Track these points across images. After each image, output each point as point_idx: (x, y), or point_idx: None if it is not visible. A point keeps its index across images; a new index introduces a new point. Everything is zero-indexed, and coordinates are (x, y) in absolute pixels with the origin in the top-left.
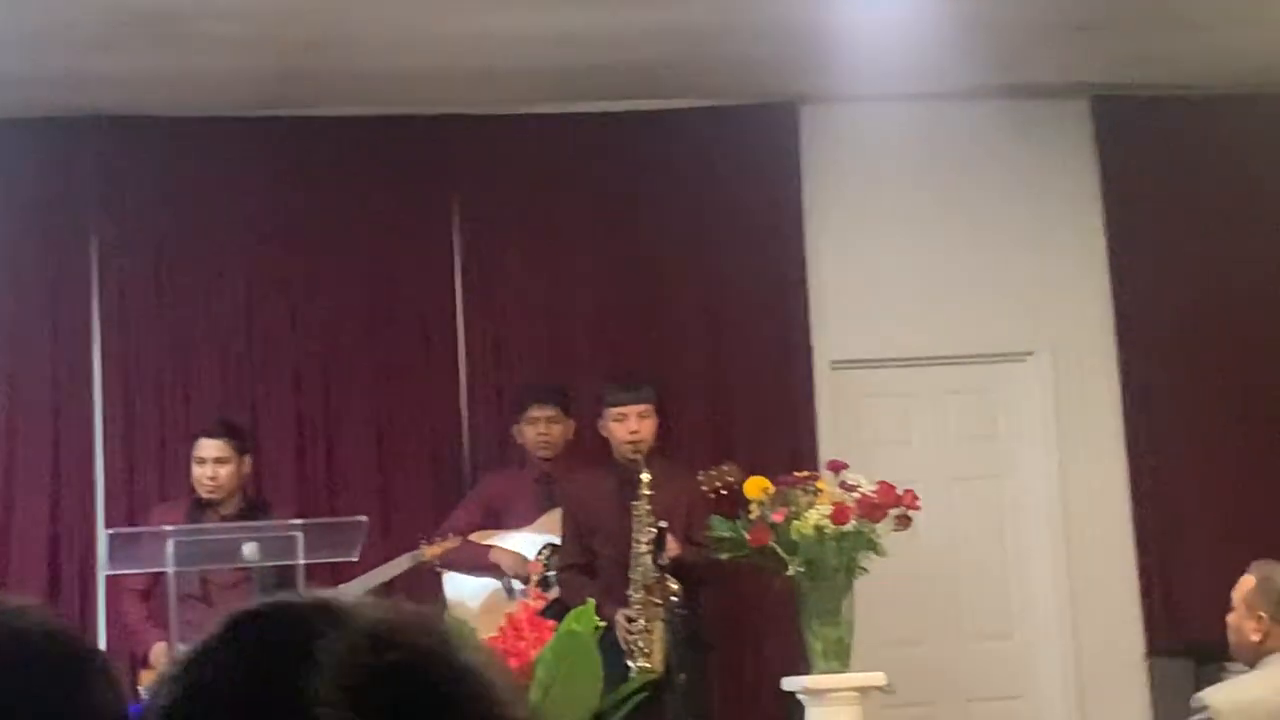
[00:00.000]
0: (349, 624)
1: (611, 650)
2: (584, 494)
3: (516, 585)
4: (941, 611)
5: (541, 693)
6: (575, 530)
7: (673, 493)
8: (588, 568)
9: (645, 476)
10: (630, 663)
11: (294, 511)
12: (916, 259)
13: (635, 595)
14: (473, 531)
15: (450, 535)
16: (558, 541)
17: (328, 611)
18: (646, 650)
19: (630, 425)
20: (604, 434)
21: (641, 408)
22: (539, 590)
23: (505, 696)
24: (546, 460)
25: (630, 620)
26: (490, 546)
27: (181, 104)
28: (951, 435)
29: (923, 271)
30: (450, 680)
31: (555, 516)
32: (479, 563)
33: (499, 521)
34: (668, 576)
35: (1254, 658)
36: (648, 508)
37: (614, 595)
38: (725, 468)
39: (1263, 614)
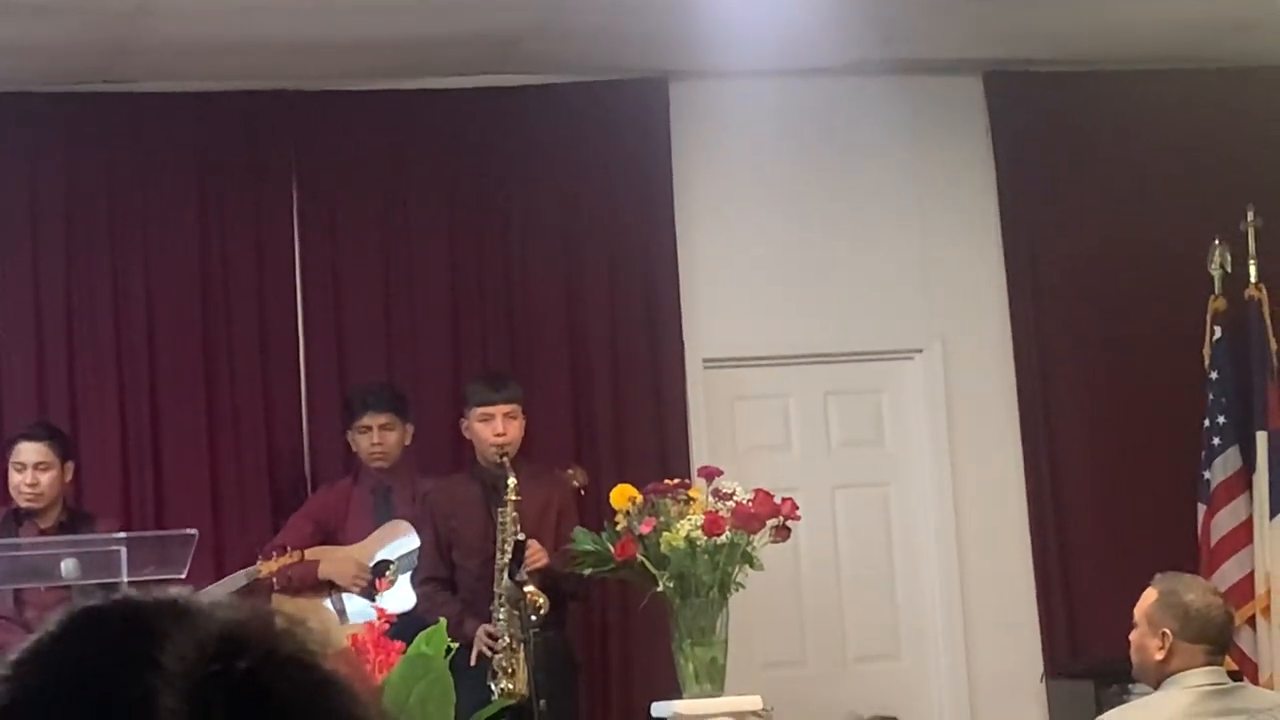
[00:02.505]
0: (199, 626)
1: (471, 672)
2: (445, 502)
3: (348, 606)
4: (823, 630)
5: None
6: (435, 541)
7: (542, 499)
8: (449, 581)
9: (511, 482)
10: (492, 684)
11: (118, 524)
12: (797, 248)
13: (499, 611)
14: (305, 548)
15: (290, 550)
16: (392, 558)
17: (176, 611)
18: (510, 670)
19: (496, 427)
20: (467, 436)
21: (509, 408)
22: (383, 608)
23: (368, 712)
24: (383, 470)
25: (493, 638)
26: (318, 561)
27: None
28: (834, 439)
29: (803, 262)
30: (307, 688)
31: (392, 530)
32: (310, 580)
33: (332, 537)
34: (532, 591)
35: (1158, 678)
36: (514, 514)
37: (477, 610)
38: (571, 470)
39: (1166, 631)
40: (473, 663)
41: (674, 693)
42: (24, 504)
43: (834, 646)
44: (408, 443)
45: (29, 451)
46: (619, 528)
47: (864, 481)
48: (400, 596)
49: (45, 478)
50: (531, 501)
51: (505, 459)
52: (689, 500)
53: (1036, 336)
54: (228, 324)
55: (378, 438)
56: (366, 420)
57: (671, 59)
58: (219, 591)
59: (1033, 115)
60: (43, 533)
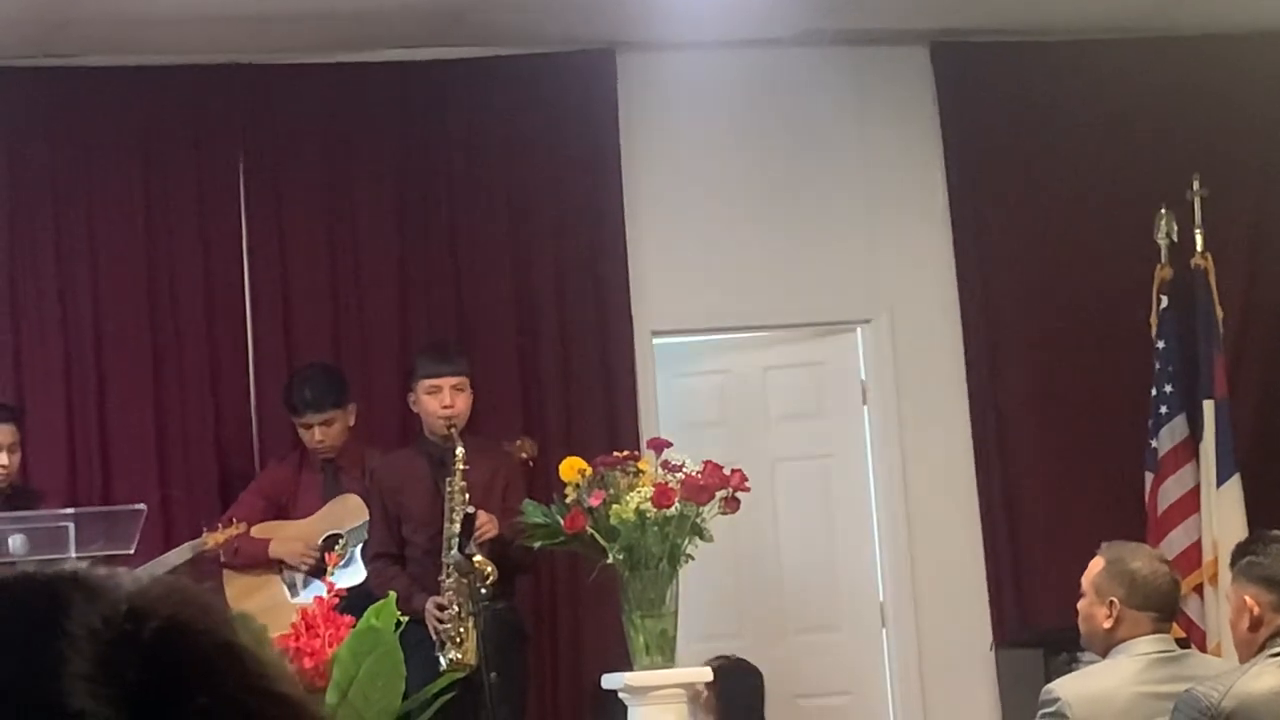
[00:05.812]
0: (104, 595)
1: (421, 646)
2: (392, 476)
3: (299, 582)
4: (762, 602)
5: (338, 695)
6: (384, 516)
7: (488, 471)
8: (399, 556)
9: (459, 451)
10: (440, 655)
11: (64, 500)
12: (745, 219)
13: (447, 581)
14: (256, 523)
15: (236, 522)
16: (342, 532)
17: (79, 583)
18: (459, 640)
19: (444, 399)
20: (414, 409)
21: (456, 380)
22: (332, 583)
23: (272, 671)
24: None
25: (441, 608)
26: (269, 540)
27: None
28: (780, 410)
29: (751, 232)
30: (213, 653)
31: (342, 505)
32: (259, 558)
33: (283, 513)
34: (480, 560)
35: (1106, 646)
36: (462, 484)
37: (426, 584)
38: (519, 442)
39: (1114, 599)
40: (434, 638)
41: (624, 664)
42: None
43: (773, 619)
44: (352, 423)
45: (1, 433)
46: (568, 500)
47: (809, 453)
48: (351, 571)
49: (15, 459)
50: (478, 474)
51: (453, 431)
52: (638, 472)
53: (984, 306)
54: (174, 298)
55: (320, 435)
56: (307, 419)
57: (619, 30)
58: (166, 563)
59: (979, 85)
60: None
